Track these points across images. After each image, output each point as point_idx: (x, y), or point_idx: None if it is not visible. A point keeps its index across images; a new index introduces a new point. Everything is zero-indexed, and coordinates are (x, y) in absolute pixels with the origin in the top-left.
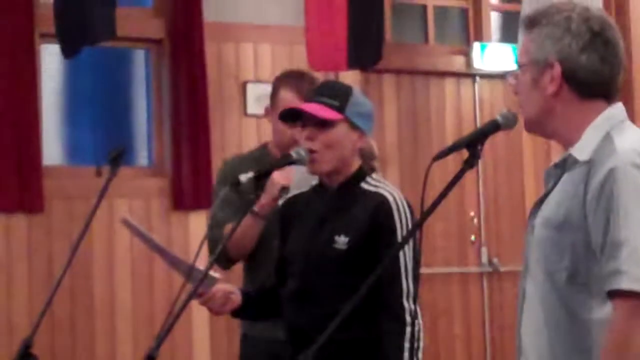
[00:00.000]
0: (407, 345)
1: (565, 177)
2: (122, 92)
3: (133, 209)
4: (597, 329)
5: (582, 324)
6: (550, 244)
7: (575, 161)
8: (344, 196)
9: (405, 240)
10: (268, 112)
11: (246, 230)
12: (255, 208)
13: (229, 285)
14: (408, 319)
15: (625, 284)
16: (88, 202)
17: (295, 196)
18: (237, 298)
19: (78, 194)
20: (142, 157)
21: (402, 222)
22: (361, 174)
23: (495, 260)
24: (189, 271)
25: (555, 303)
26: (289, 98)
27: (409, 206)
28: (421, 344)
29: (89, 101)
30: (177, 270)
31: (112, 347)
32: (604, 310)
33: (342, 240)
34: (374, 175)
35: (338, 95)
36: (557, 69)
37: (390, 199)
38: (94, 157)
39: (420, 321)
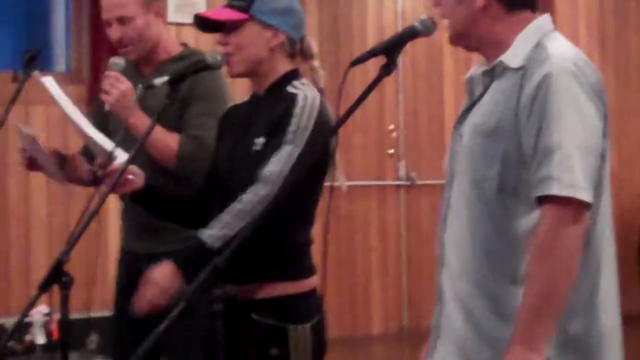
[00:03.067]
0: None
1: (495, 84)
2: None
3: (50, 116)
4: (522, 238)
5: (508, 233)
6: (479, 150)
7: (506, 68)
8: (269, 99)
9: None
10: None
11: None
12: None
13: (135, 167)
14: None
15: (555, 190)
16: (5, 107)
17: (235, 106)
18: (138, 181)
19: None
20: (60, 63)
21: (303, 113)
22: (290, 77)
23: (412, 173)
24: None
25: (482, 213)
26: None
27: (324, 110)
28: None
29: (7, 6)
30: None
31: (25, 255)
32: (530, 219)
33: (260, 142)
34: (304, 79)
35: None
36: None
37: (302, 95)
38: (12, 62)
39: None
